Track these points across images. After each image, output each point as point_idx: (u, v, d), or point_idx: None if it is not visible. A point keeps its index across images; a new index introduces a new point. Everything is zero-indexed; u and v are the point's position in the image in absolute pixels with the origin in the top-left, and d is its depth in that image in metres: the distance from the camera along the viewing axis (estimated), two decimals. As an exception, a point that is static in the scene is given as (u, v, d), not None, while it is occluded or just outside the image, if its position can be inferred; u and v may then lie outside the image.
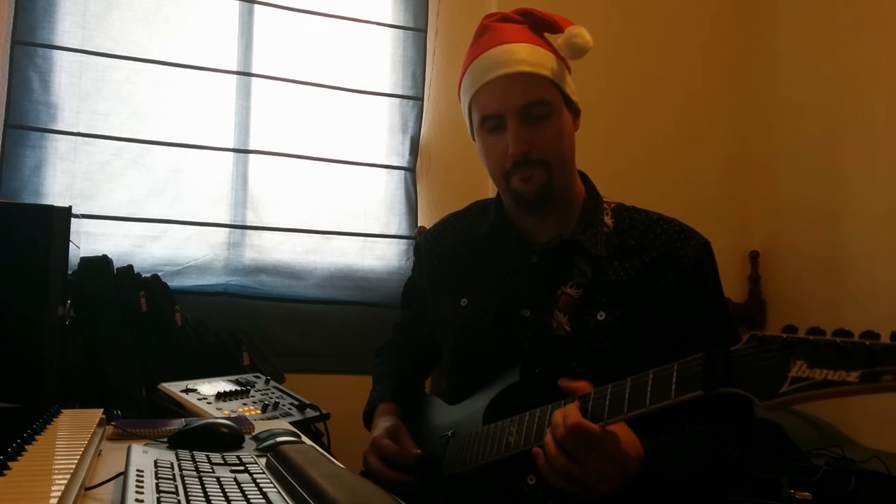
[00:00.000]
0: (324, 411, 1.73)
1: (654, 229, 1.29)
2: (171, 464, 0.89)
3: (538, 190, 1.26)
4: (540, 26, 1.31)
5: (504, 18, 1.32)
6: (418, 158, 2.70)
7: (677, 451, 1.13)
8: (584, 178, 1.37)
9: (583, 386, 1.05)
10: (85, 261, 2.02)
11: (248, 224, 2.51)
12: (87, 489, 0.86)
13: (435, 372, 1.62)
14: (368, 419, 1.45)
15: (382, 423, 1.37)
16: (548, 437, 1.03)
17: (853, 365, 0.75)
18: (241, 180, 2.50)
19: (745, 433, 1.21)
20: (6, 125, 2.23)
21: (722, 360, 0.88)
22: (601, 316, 1.23)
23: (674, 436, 1.15)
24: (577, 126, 1.32)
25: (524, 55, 1.25)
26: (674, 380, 0.92)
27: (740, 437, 1.20)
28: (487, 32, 1.31)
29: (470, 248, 1.41)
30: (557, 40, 1.29)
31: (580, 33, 1.26)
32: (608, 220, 1.31)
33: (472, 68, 1.29)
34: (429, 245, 1.50)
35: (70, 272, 1.84)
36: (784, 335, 0.81)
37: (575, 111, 1.31)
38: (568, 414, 1.01)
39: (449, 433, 1.30)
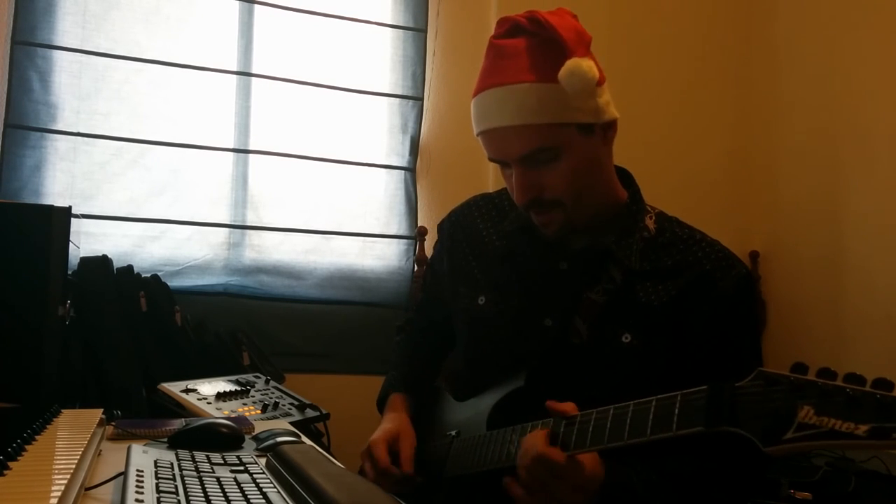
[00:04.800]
0: (324, 411, 1.73)
1: (694, 251, 1.22)
2: (171, 464, 0.89)
3: (557, 231, 1.21)
4: (548, 46, 1.14)
5: (513, 31, 1.18)
6: (418, 158, 2.70)
7: (651, 483, 1.10)
8: (629, 180, 1.29)
9: (569, 408, 1.04)
10: (85, 261, 2.02)
11: (248, 224, 2.51)
12: (87, 489, 0.86)
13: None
14: (382, 405, 1.44)
15: (385, 424, 1.35)
16: (518, 462, 1.03)
17: (862, 417, 0.73)
18: (241, 180, 2.50)
19: (748, 472, 1.15)
20: (6, 125, 2.23)
21: (726, 396, 0.84)
22: (626, 338, 1.17)
23: (657, 467, 1.11)
24: (610, 138, 1.21)
25: (521, 102, 1.13)
26: (675, 412, 0.89)
27: (740, 476, 1.14)
28: (489, 58, 1.19)
29: (496, 241, 1.34)
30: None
31: (576, 71, 1.10)
32: (650, 223, 1.24)
33: (474, 104, 1.20)
34: (453, 228, 1.43)
35: (70, 272, 1.84)
36: (792, 376, 0.78)
37: (602, 128, 1.19)
38: (536, 443, 1.01)
39: (453, 433, 1.29)
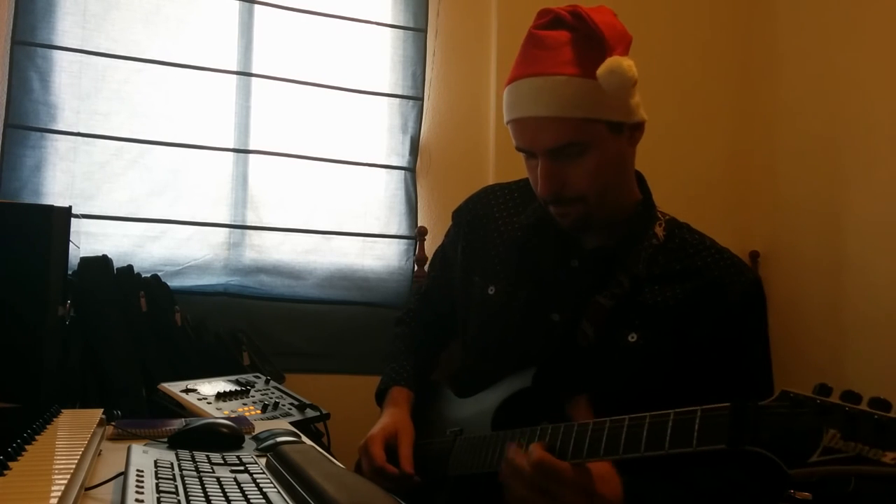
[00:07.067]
0: (324, 411, 1.73)
1: (703, 256, 1.22)
2: (171, 464, 0.89)
3: (574, 222, 1.21)
4: (589, 41, 1.14)
5: (554, 23, 1.18)
6: (418, 158, 2.70)
7: (669, 497, 1.08)
8: (643, 184, 1.30)
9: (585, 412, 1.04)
10: (85, 261, 2.02)
11: (248, 224, 2.51)
12: (87, 489, 0.86)
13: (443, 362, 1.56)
14: (381, 397, 1.42)
15: (384, 419, 1.34)
16: (514, 463, 1.01)
17: (889, 444, 0.71)
18: (241, 180, 2.50)
19: (767, 492, 1.12)
20: (6, 125, 2.23)
21: (751, 414, 0.82)
22: (633, 338, 1.17)
23: (676, 478, 1.08)
24: (637, 139, 1.23)
25: (558, 94, 1.14)
26: (696, 427, 0.87)
27: (760, 496, 1.12)
28: (528, 47, 1.19)
29: (511, 233, 1.34)
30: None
31: (616, 69, 1.10)
32: (660, 231, 1.25)
33: (508, 92, 1.21)
34: (470, 216, 1.43)
35: (70, 272, 1.84)
36: (818, 398, 0.77)
37: (630, 129, 1.20)
38: (535, 451, 0.99)
39: (456, 430, 1.28)
